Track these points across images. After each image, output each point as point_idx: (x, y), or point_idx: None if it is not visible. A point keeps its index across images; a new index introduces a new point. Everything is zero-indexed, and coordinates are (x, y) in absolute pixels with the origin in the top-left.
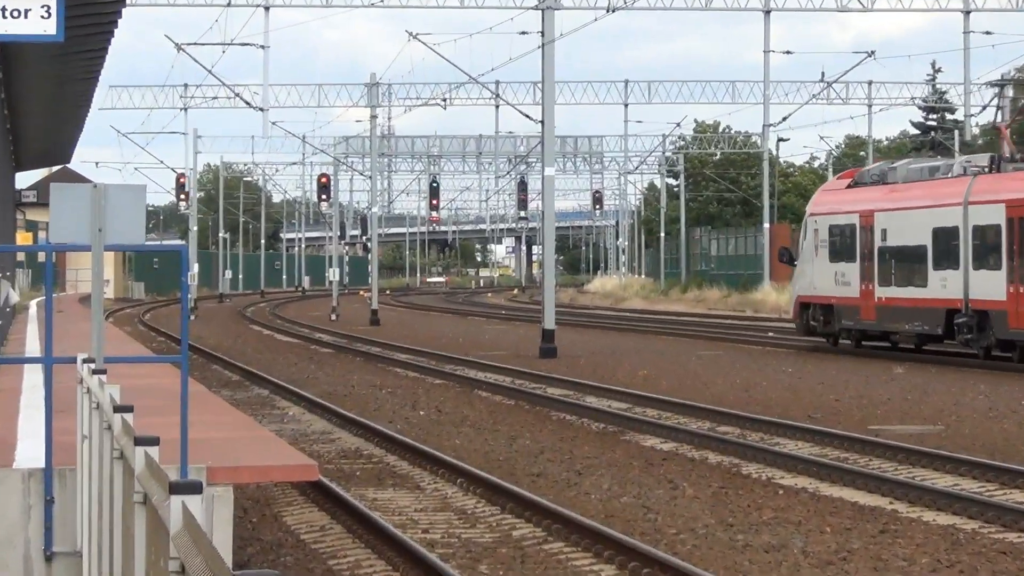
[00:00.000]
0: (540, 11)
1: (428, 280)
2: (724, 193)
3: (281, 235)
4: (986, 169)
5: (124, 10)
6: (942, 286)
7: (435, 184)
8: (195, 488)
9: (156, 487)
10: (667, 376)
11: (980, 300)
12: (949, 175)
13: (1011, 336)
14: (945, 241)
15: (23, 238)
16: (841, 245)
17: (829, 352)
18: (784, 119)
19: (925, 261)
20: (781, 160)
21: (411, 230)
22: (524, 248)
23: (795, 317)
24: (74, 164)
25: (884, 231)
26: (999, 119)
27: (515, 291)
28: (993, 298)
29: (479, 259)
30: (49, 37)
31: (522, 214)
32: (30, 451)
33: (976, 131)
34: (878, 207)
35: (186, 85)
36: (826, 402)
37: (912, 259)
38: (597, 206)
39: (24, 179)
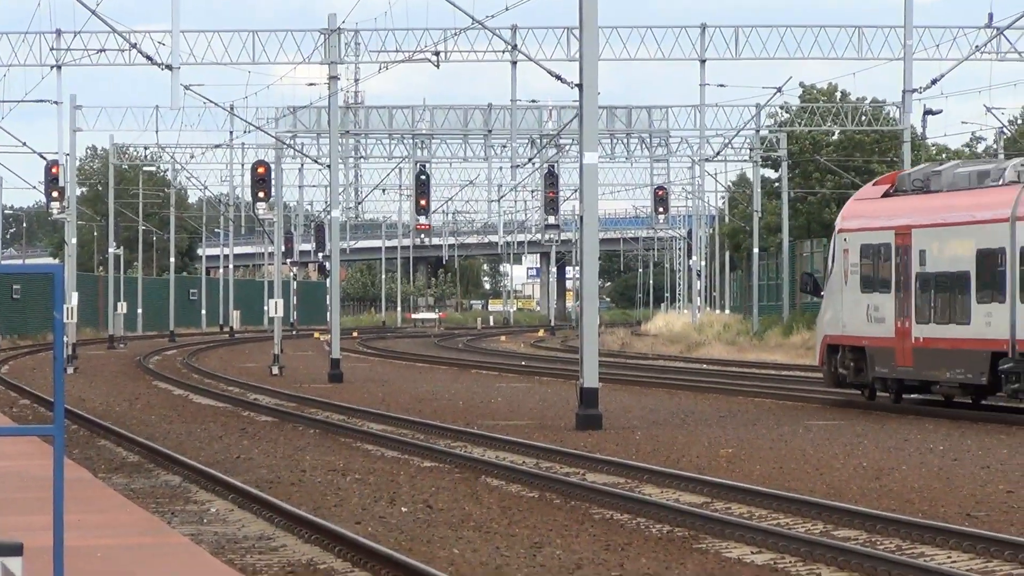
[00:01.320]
0: None
1: (414, 316)
2: (846, 190)
3: (199, 251)
4: None
5: None
6: (986, 324)
7: (424, 176)
8: None
9: None
10: (761, 457)
11: None
12: (1000, 182)
13: None
14: (990, 266)
15: None
16: (874, 270)
17: (991, 421)
18: (934, 82)
19: (968, 292)
20: (929, 141)
21: (389, 243)
22: (553, 270)
23: (821, 363)
24: None
25: (922, 252)
26: None
27: (540, 332)
28: None
29: (488, 286)
30: None
31: (551, 220)
32: None
33: None
34: (916, 222)
35: (59, 32)
36: (993, 494)
37: (954, 289)
38: (660, 209)
39: None
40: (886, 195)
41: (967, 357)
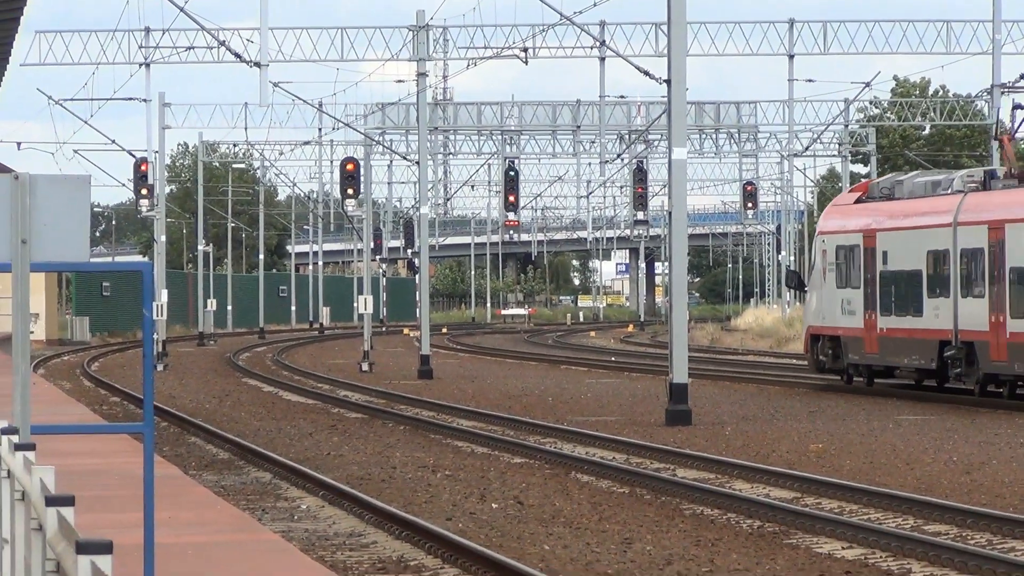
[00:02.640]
0: None
1: (503, 312)
2: None
3: (288, 248)
4: (978, 186)
5: None
6: (935, 316)
7: (513, 173)
8: None
9: None
10: (851, 451)
11: (968, 331)
12: (949, 191)
13: (993, 370)
14: (938, 265)
15: None
16: (847, 269)
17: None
18: (1023, 76)
19: (920, 288)
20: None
21: (478, 240)
22: (642, 266)
23: (806, 351)
24: None
25: (885, 253)
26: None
27: (630, 328)
28: (978, 328)
29: (577, 282)
30: None
31: (639, 215)
32: None
33: None
34: (880, 226)
35: (147, 29)
36: None
37: (910, 285)
38: (749, 204)
39: None
40: (858, 201)
41: (920, 345)
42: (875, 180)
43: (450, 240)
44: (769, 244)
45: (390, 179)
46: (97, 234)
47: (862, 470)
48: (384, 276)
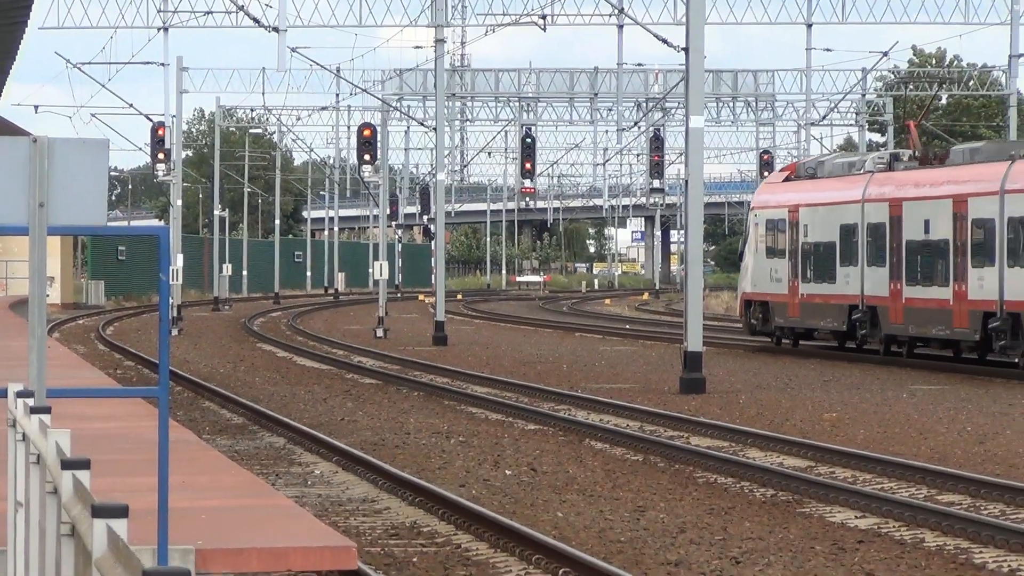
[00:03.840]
0: None
1: (518, 279)
2: None
3: (304, 214)
4: (885, 167)
5: None
6: (846, 283)
7: (529, 140)
8: None
9: None
10: (865, 421)
11: (872, 296)
12: (861, 171)
13: (892, 331)
14: (848, 238)
15: None
16: (774, 241)
17: None
18: None
19: (834, 258)
20: None
21: (494, 207)
22: (658, 234)
23: (741, 315)
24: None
25: (806, 227)
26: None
27: (645, 296)
28: (880, 295)
29: (592, 249)
30: None
31: (656, 184)
32: None
33: None
34: (802, 202)
35: None
36: None
37: (825, 256)
38: (766, 173)
39: None
40: (787, 180)
41: (833, 309)
42: (802, 160)
43: (466, 207)
44: None
45: (407, 145)
46: (113, 198)
47: (876, 439)
48: (400, 242)
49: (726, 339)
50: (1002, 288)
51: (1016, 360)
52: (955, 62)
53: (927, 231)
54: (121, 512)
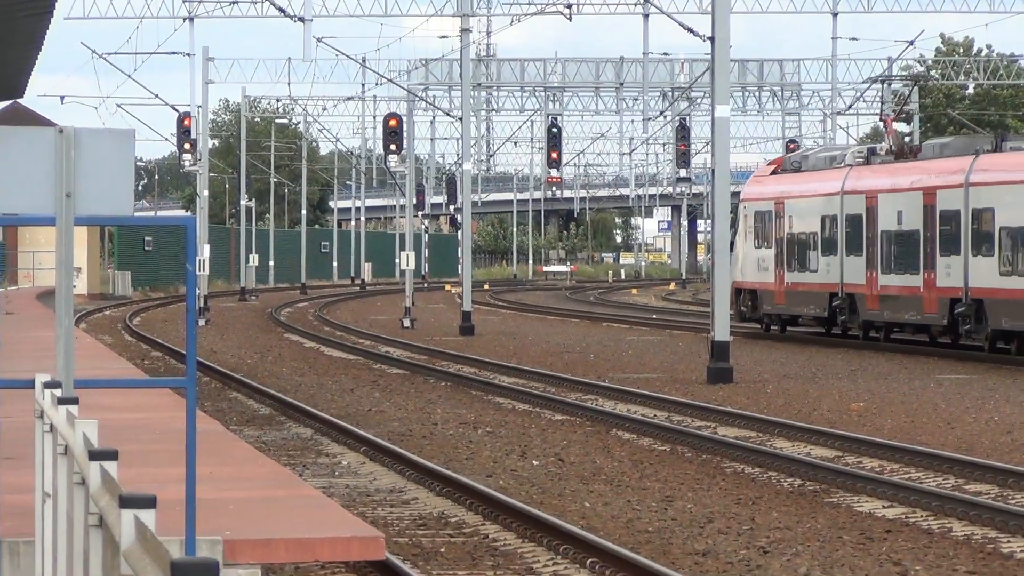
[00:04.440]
0: None
1: (545, 269)
2: None
3: (331, 204)
4: (864, 160)
5: None
6: (827, 271)
7: (555, 130)
8: (208, 570)
9: (151, 568)
10: (892, 410)
11: (851, 284)
12: (841, 164)
13: (869, 317)
14: (830, 228)
15: None
16: (762, 232)
17: None
18: None
19: (816, 247)
20: None
21: (521, 196)
22: (685, 223)
23: (732, 303)
24: (28, 99)
25: (790, 218)
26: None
27: (672, 286)
28: (857, 282)
29: (619, 239)
30: None
31: (682, 173)
32: None
33: None
34: (788, 194)
35: None
36: None
37: (808, 245)
38: None
39: None
40: (774, 173)
41: (815, 297)
42: (788, 155)
43: (492, 196)
44: None
45: (433, 135)
46: (140, 188)
47: (903, 429)
48: (426, 232)
49: (752, 329)
50: (967, 276)
51: (982, 344)
52: (983, 51)
53: (900, 222)
54: (149, 503)
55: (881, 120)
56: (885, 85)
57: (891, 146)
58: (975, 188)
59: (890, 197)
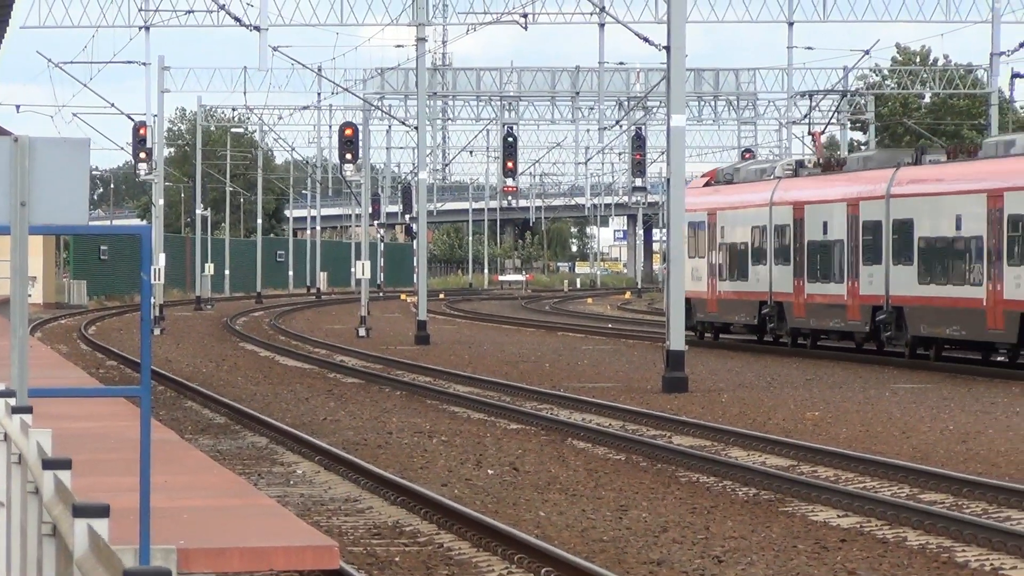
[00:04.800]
0: None
1: (501, 279)
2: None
3: (286, 213)
4: (792, 173)
5: None
6: (757, 280)
7: (511, 139)
8: None
9: None
10: (847, 420)
11: (779, 293)
12: (771, 177)
13: (796, 324)
14: (759, 238)
15: None
16: (696, 242)
17: None
18: (1022, 45)
19: (747, 257)
20: (1018, 105)
21: (476, 206)
22: (640, 233)
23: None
24: None
25: (722, 228)
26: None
27: (627, 295)
28: (785, 291)
29: (575, 249)
30: None
31: (638, 182)
32: None
33: None
34: (719, 206)
35: None
36: None
37: (739, 255)
38: None
39: None
40: (707, 185)
41: (746, 305)
42: (722, 168)
43: (448, 206)
44: None
45: (388, 144)
46: (96, 198)
47: (858, 438)
48: (382, 241)
49: (709, 338)
50: (888, 284)
51: (902, 351)
52: (939, 60)
53: (826, 232)
54: (102, 512)
55: (809, 134)
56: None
57: (818, 159)
58: (895, 200)
59: (816, 208)
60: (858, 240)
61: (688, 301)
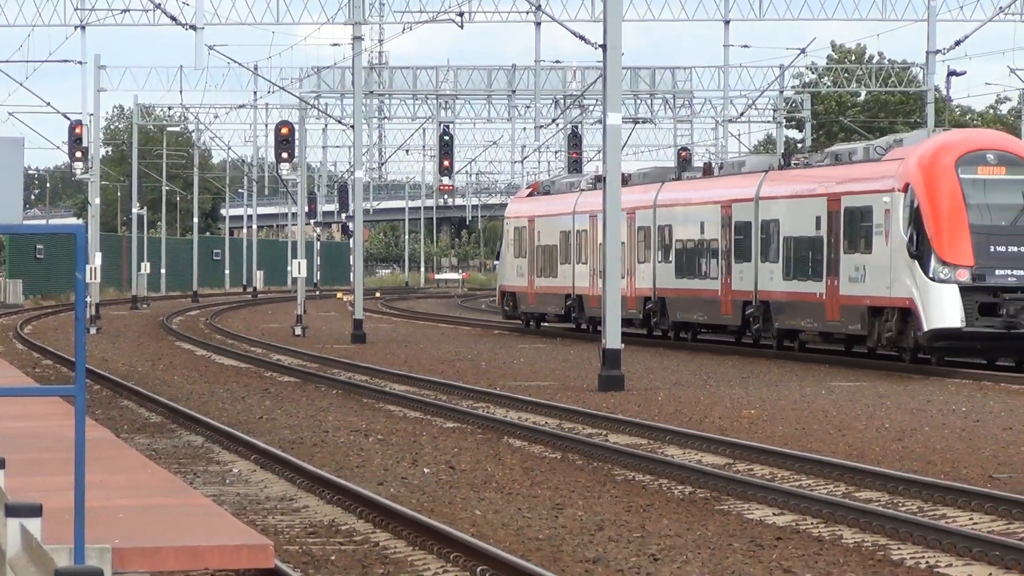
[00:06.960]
0: None
1: (437, 277)
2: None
3: (223, 212)
4: (592, 186)
5: None
6: (564, 277)
7: (447, 137)
8: None
9: None
10: (783, 417)
11: (579, 287)
12: (578, 189)
13: (592, 314)
14: (565, 241)
15: None
16: (519, 244)
17: (1015, 382)
18: (958, 43)
19: (557, 257)
20: (954, 103)
21: (413, 204)
22: None
23: (499, 304)
24: None
25: (539, 232)
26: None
27: None
28: (583, 286)
29: None
30: None
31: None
32: None
33: None
34: (537, 213)
35: None
36: (1016, 456)
37: (552, 256)
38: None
39: None
40: (530, 195)
41: (556, 298)
42: (543, 180)
43: (384, 204)
44: None
45: (325, 143)
46: (32, 197)
47: (794, 436)
48: (318, 240)
49: (644, 337)
50: (756, 280)
51: (770, 343)
52: (875, 58)
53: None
54: (35, 511)
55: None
56: (778, 93)
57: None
58: (764, 202)
59: (598, 216)
60: (634, 242)
61: (514, 295)
